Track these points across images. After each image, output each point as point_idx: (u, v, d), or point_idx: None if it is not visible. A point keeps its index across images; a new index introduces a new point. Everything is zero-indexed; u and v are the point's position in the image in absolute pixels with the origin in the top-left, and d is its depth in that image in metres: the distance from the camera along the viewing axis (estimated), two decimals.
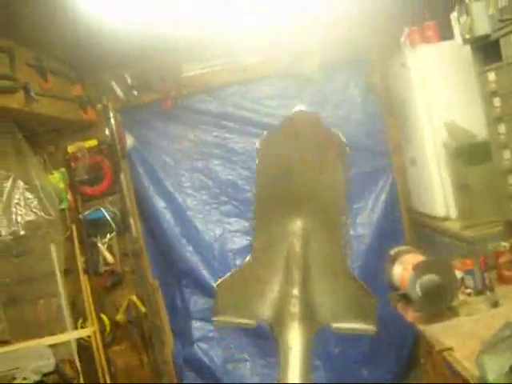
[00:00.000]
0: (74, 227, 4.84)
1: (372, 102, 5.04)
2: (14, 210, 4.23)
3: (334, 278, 1.24)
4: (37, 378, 3.26)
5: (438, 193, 4.20)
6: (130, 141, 5.00)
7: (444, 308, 2.74)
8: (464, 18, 3.27)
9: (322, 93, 5.01)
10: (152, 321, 4.94)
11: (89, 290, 4.78)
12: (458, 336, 2.48)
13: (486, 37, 3.18)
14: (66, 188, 4.84)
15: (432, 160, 4.21)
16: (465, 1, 3.25)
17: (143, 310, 4.89)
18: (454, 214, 4.11)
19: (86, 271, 4.82)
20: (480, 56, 3.42)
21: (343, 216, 1.21)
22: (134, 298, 4.92)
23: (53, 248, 4.51)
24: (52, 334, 4.17)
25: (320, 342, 4.73)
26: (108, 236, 4.92)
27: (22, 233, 4.24)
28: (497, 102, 3.29)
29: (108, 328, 4.88)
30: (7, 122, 4.25)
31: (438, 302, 2.72)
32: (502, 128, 3.28)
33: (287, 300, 1.18)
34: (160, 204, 5.06)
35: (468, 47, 3.47)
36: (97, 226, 4.91)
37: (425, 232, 4.55)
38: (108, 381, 4.73)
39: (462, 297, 2.87)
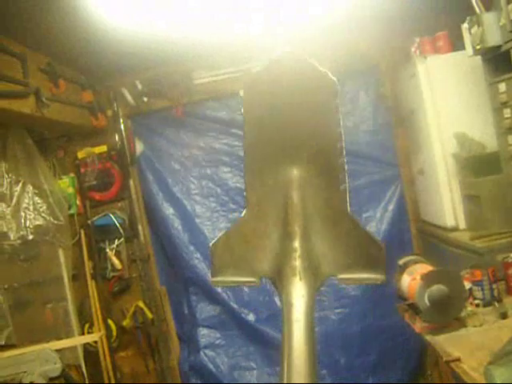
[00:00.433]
0: (82, 232, 4.87)
1: (382, 112, 5.03)
2: (23, 214, 4.24)
3: (335, 226, 1.16)
4: (43, 382, 3.27)
5: (447, 203, 4.17)
6: (139, 147, 5.03)
7: (452, 318, 2.73)
8: (475, 29, 3.27)
9: None
10: (159, 327, 4.95)
11: (96, 296, 4.80)
12: (466, 347, 2.47)
13: (497, 48, 3.19)
14: (75, 193, 4.87)
15: (441, 170, 4.18)
16: (476, 12, 3.25)
17: (150, 316, 4.90)
18: (462, 224, 4.08)
19: (93, 276, 4.84)
20: (490, 67, 3.42)
21: (340, 158, 1.13)
22: (141, 304, 4.93)
23: (61, 253, 4.53)
24: (59, 338, 4.16)
25: (326, 351, 4.74)
26: (116, 242, 4.94)
27: (31, 237, 4.25)
28: (507, 113, 3.28)
29: (114, 333, 4.89)
30: (18, 127, 4.28)
31: (446, 312, 2.71)
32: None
33: (288, 254, 1.11)
34: (168, 211, 5.07)
35: (479, 58, 3.48)
36: (105, 232, 4.94)
37: (433, 242, 4.52)
38: None
39: (470, 307, 2.85)
